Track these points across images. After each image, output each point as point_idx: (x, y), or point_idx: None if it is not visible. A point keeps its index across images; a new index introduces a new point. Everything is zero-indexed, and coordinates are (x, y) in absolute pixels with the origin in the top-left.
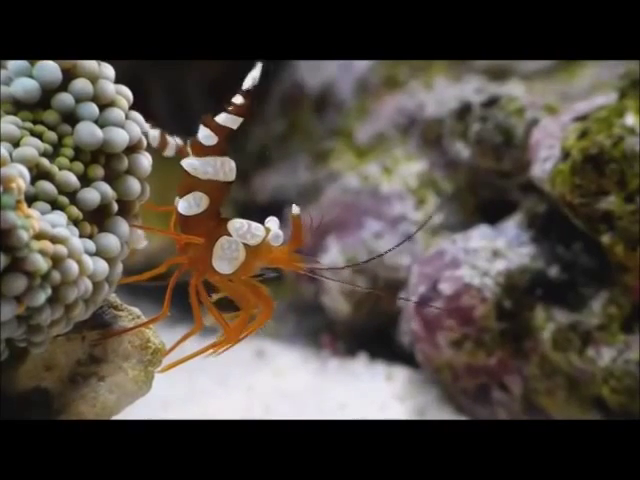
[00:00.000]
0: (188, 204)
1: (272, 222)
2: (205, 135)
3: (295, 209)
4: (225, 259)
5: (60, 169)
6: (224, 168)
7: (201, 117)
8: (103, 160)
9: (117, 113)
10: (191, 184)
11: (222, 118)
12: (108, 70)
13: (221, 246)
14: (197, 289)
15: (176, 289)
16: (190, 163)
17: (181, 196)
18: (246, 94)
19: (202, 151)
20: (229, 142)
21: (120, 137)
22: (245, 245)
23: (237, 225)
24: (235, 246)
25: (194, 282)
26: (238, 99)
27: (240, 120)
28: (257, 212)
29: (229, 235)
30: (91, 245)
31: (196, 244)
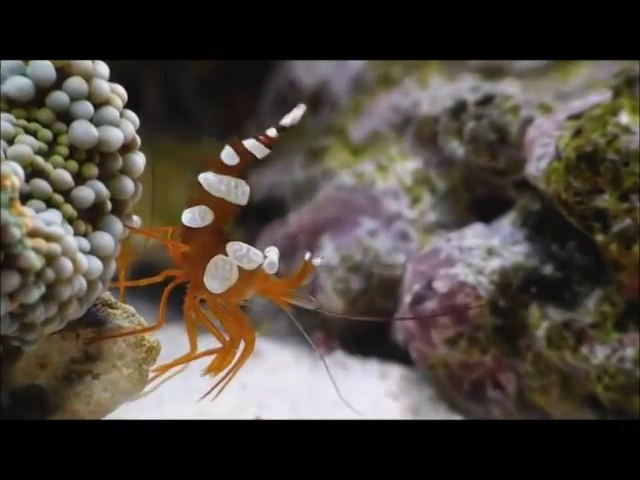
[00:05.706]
0: (192, 216)
1: (272, 252)
2: (229, 154)
3: (308, 255)
4: (217, 278)
5: (55, 167)
6: (237, 190)
7: (230, 140)
8: (98, 159)
9: (112, 112)
10: (201, 198)
11: (250, 144)
12: (103, 69)
13: (215, 264)
14: (191, 304)
15: (171, 290)
16: (206, 177)
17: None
18: (281, 129)
19: (221, 169)
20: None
21: (115, 136)
22: (240, 269)
23: (236, 247)
24: (229, 267)
25: (188, 298)
26: (272, 132)
27: (267, 152)
28: (253, 210)
29: (226, 255)
30: (85, 243)
31: (191, 258)
